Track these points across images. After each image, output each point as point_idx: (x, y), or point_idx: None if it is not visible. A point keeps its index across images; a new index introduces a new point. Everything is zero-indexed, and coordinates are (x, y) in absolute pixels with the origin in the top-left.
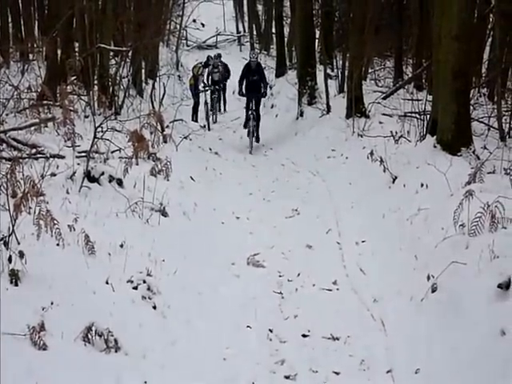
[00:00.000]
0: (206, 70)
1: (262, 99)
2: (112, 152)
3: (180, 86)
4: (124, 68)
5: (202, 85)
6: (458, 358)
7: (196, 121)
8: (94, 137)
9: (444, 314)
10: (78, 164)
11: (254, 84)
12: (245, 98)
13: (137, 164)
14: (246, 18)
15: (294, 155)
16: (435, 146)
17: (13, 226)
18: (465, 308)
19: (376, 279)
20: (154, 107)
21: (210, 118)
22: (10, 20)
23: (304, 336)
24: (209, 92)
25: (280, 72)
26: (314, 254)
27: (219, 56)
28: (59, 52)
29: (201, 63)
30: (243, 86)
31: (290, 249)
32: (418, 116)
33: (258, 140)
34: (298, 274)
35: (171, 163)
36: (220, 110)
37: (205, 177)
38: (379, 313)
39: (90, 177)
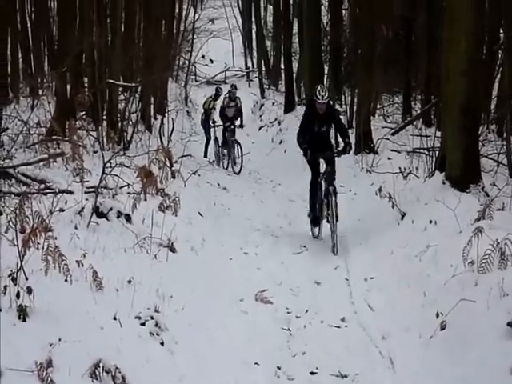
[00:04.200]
0: (217, 102)
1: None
2: (120, 187)
3: (189, 122)
4: (133, 103)
5: (212, 121)
6: None
7: (206, 156)
8: (103, 172)
9: (453, 351)
10: (87, 199)
11: (324, 138)
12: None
13: (145, 199)
14: (255, 54)
15: (303, 191)
16: (444, 183)
17: (21, 261)
18: (474, 346)
19: (384, 316)
20: (162, 143)
21: (229, 167)
22: (19, 55)
23: (312, 373)
24: (220, 128)
25: (288, 108)
26: (322, 290)
27: (235, 87)
28: (68, 87)
29: (211, 97)
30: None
31: (298, 285)
32: (426, 152)
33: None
34: (306, 311)
35: (179, 199)
36: (235, 163)
37: (213, 212)
38: (388, 350)
39: (98, 212)
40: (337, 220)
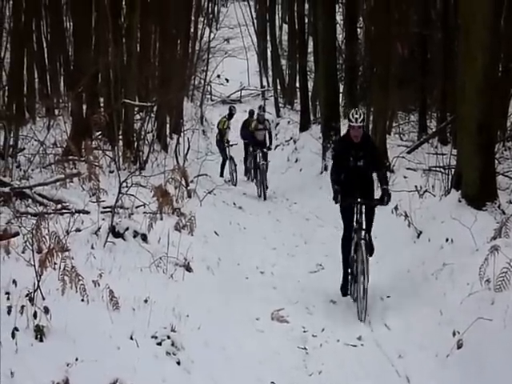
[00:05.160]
0: (232, 121)
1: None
2: (136, 207)
3: (204, 141)
4: (148, 123)
5: (226, 141)
6: None
7: (223, 176)
8: (119, 192)
9: (470, 370)
10: (103, 219)
11: (361, 176)
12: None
13: (161, 219)
14: (270, 73)
15: (319, 209)
16: (460, 201)
17: (38, 281)
18: (491, 365)
19: (401, 335)
20: (178, 162)
21: (259, 192)
22: (36, 75)
23: None
24: (234, 147)
25: (304, 126)
26: (338, 309)
27: (263, 109)
28: (84, 107)
29: (225, 117)
30: (339, 182)
31: (314, 304)
32: (442, 170)
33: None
34: (323, 330)
35: (195, 218)
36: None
37: (229, 231)
38: (404, 369)
39: (114, 232)
40: (367, 280)
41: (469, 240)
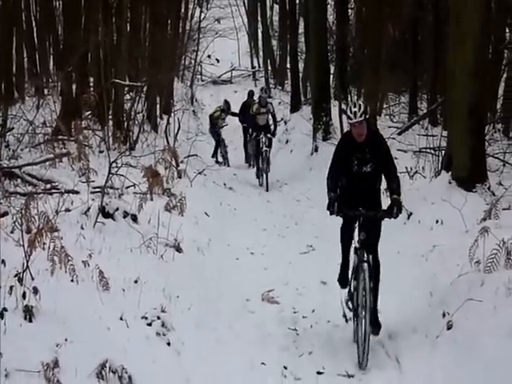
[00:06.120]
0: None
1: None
2: (127, 187)
3: (195, 121)
4: (139, 103)
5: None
6: None
7: (216, 159)
8: (109, 172)
9: (460, 351)
10: (93, 199)
11: (366, 183)
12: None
13: (151, 199)
14: (261, 54)
15: (309, 191)
16: (450, 182)
17: (27, 261)
18: (481, 346)
19: (391, 316)
20: (168, 142)
21: (262, 181)
22: (25, 55)
23: (319, 373)
24: (225, 129)
25: (295, 107)
26: (328, 290)
27: (265, 91)
28: (74, 87)
29: (220, 107)
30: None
31: (304, 285)
32: (432, 152)
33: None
34: (313, 311)
35: (186, 199)
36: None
37: (219, 212)
38: (394, 350)
39: (104, 212)
40: (372, 315)
41: (459, 221)
